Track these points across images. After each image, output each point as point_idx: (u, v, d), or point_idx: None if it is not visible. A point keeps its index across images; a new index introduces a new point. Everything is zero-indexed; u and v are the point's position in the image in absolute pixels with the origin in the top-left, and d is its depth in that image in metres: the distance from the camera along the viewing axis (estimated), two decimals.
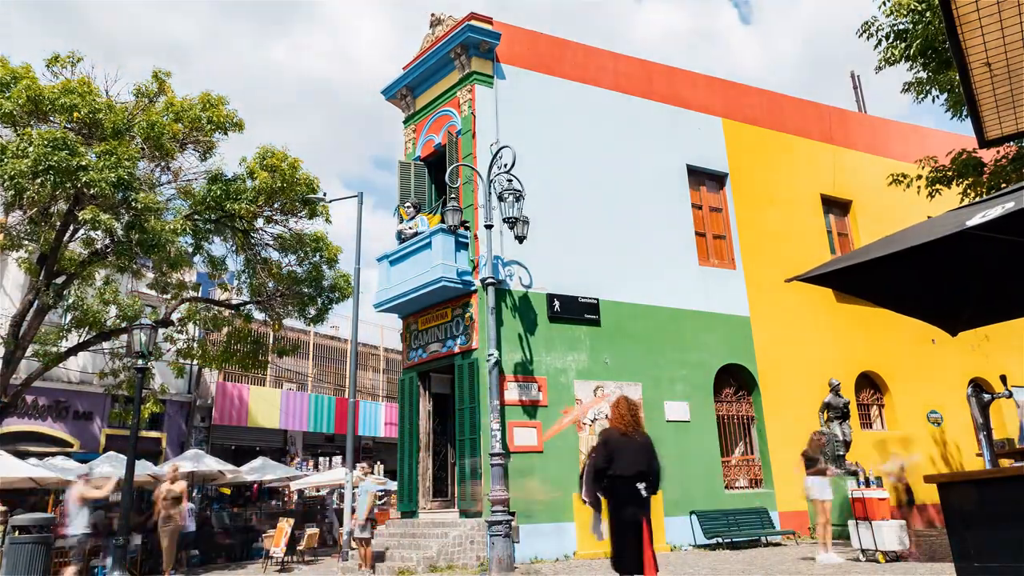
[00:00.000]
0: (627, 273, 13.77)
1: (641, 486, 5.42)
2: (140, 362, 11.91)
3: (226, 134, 14.46)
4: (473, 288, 12.49)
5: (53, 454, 17.20)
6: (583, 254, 13.43)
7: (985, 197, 3.96)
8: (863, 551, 9.69)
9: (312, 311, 16.32)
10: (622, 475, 5.39)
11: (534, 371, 12.37)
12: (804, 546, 12.39)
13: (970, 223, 3.53)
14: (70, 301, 13.97)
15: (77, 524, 10.52)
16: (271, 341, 18.72)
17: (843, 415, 14.50)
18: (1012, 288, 5.07)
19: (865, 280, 4.98)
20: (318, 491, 22.53)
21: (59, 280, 13.86)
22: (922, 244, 3.89)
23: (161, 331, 14.78)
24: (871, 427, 16.25)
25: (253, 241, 15.75)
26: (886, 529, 9.49)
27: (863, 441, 15.11)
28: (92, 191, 11.97)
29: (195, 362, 18.31)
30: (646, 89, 15.45)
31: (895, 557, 9.56)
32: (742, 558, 10.96)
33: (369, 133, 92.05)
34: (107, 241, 13.56)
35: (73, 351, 14.95)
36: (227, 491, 21.68)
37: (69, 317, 14.47)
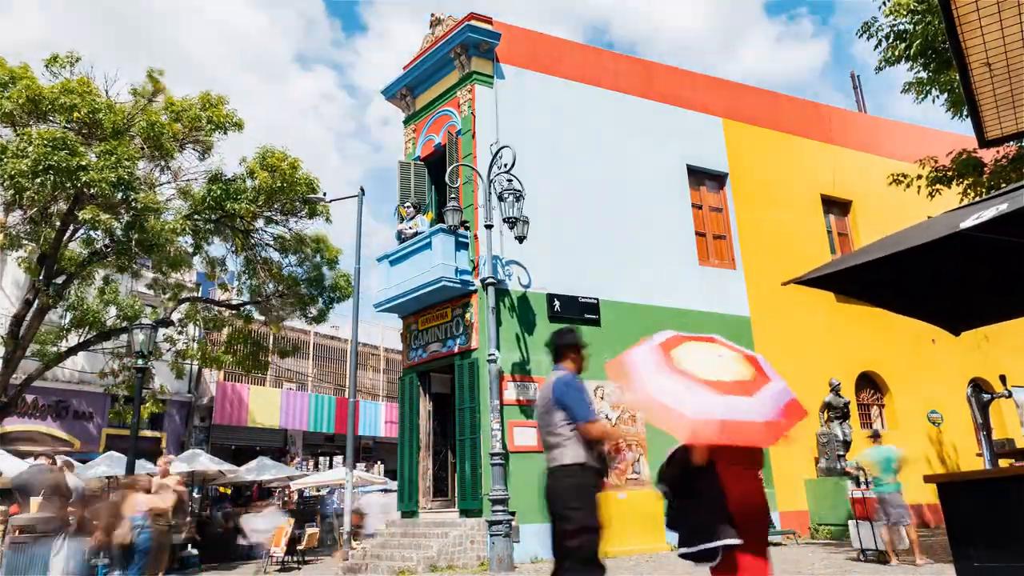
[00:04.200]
0: (627, 273, 13.76)
1: None
2: (140, 362, 11.91)
3: (226, 133, 14.46)
4: (473, 288, 12.48)
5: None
6: (583, 254, 13.42)
7: (983, 197, 3.96)
8: (863, 551, 9.68)
9: (312, 311, 16.33)
10: None
11: (534, 371, 12.36)
12: (803, 546, 12.39)
13: (964, 225, 3.53)
14: (70, 301, 13.98)
15: None
16: (271, 341, 18.73)
17: (843, 415, 14.49)
18: (1012, 288, 5.07)
19: (864, 282, 4.97)
20: (318, 491, 22.53)
21: (59, 280, 13.86)
22: (919, 245, 3.89)
23: (161, 331, 14.78)
24: (871, 427, 16.23)
25: (253, 241, 15.76)
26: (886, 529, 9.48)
27: (863, 441, 15.10)
28: (92, 191, 11.97)
29: (195, 362, 18.31)
30: (646, 89, 15.44)
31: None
32: None
33: None
34: (107, 241, 13.56)
35: (73, 351, 14.95)
36: (227, 491, 21.69)
37: (69, 317, 14.47)
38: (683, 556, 3.59)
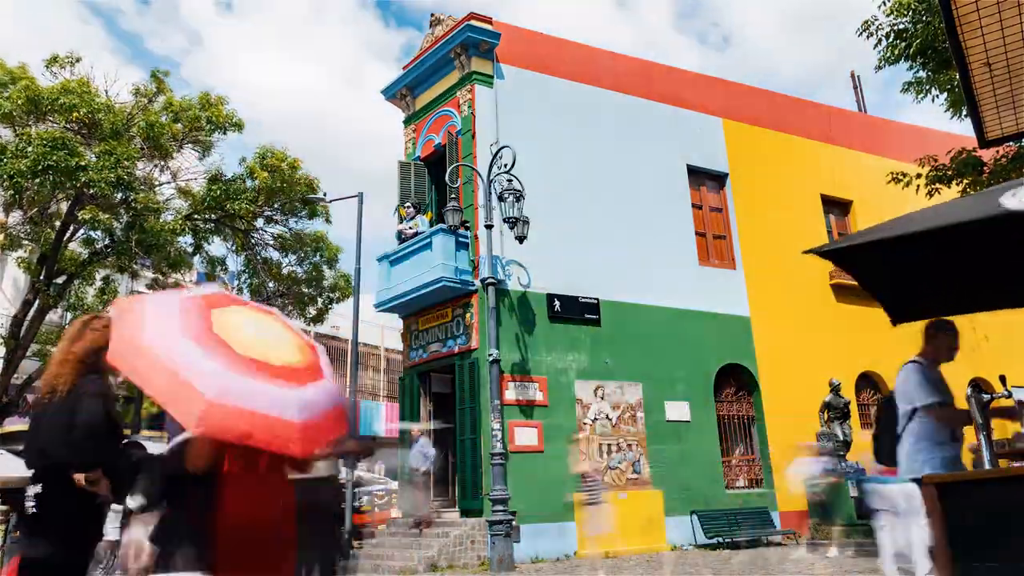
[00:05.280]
0: (627, 273, 13.76)
1: None
2: None
3: (225, 134, 14.48)
4: (473, 288, 12.48)
5: None
6: (583, 254, 13.42)
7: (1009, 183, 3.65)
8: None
9: (312, 311, 16.34)
10: None
11: (534, 371, 12.37)
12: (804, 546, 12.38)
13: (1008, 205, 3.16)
14: (70, 301, 13.97)
15: None
16: None
17: (843, 415, 14.48)
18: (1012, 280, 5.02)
19: (889, 260, 4.51)
20: None
21: (59, 280, 13.86)
22: (967, 222, 3.51)
23: None
24: (871, 427, 16.22)
25: (253, 241, 15.77)
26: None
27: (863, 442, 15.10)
28: (91, 191, 11.98)
29: None
30: (646, 89, 15.44)
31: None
32: (743, 558, 10.96)
33: None
34: (107, 241, 13.57)
35: None
36: None
37: (69, 317, 14.47)
38: None
